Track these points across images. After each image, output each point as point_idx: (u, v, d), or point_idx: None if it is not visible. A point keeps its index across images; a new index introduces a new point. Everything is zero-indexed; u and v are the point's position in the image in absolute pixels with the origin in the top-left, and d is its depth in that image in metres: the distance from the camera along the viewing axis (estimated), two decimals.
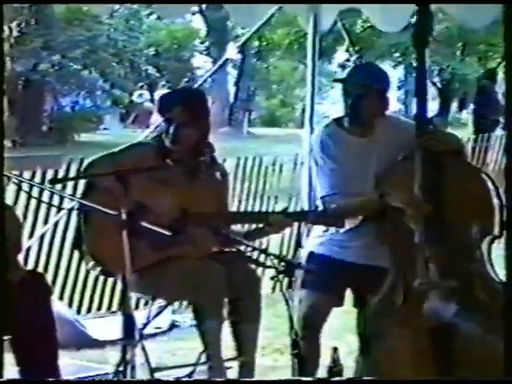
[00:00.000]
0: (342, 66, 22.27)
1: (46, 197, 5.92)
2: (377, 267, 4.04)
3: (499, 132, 12.16)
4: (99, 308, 6.70)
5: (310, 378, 3.69)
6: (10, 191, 6.21)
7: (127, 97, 25.76)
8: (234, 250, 4.25)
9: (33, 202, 6.28)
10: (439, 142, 3.98)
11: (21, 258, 3.82)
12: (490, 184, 3.99)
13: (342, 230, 4.07)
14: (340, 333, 4.31)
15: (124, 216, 3.49)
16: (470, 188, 4.00)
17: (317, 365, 4.08)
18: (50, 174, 6.26)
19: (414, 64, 4.03)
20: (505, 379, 3.05)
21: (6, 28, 19.55)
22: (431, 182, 3.94)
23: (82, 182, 5.61)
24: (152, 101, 25.04)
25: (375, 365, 4.01)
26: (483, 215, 3.94)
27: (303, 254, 4.23)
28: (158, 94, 24.30)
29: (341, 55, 22.12)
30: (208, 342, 3.99)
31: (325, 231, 4.18)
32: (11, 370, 3.15)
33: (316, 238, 4.24)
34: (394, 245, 3.99)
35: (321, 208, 4.09)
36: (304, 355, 3.66)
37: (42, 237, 6.43)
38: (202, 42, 27.06)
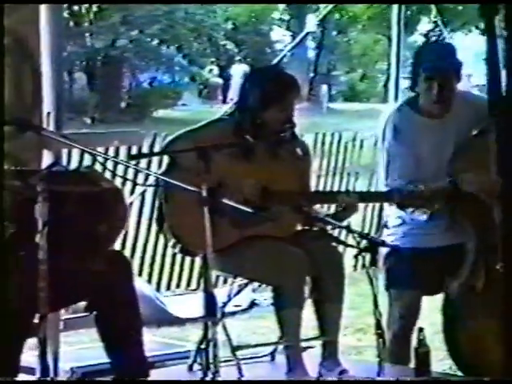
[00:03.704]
0: (426, 36, 21.89)
1: (124, 173, 5.93)
2: (458, 245, 4.02)
3: None
4: (178, 285, 6.72)
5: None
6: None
7: (206, 72, 25.83)
8: (316, 228, 4.18)
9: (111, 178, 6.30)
10: None
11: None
12: None
13: (423, 216, 4.00)
14: (425, 313, 4.22)
15: (205, 193, 3.44)
16: None
17: (408, 353, 4.03)
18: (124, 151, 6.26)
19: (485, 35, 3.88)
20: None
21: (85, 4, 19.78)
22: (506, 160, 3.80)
23: (160, 159, 5.67)
24: (224, 76, 25.09)
25: (458, 347, 3.98)
26: None
27: (387, 240, 4.16)
28: (234, 68, 24.36)
29: (424, 26, 21.72)
30: (286, 322, 3.93)
31: (408, 219, 4.09)
32: (31, 355, 3.13)
33: (394, 230, 4.17)
34: (473, 225, 3.94)
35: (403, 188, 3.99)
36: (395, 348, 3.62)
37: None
38: (281, 16, 26.90)
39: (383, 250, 4.15)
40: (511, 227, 3.00)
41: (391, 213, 4.27)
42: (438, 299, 4.18)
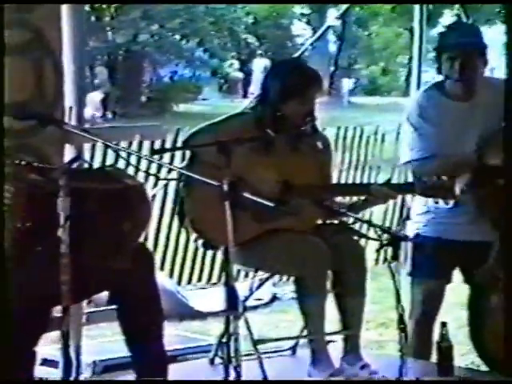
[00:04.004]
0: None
1: (145, 167, 5.94)
2: (483, 242, 3.99)
3: None
4: (199, 279, 6.72)
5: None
6: (110, 161, 6.28)
7: (226, 66, 25.82)
8: (337, 221, 4.17)
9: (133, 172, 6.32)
10: None
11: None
12: None
13: (449, 205, 3.97)
14: (448, 307, 4.21)
15: (226, 187, 3.43)
16: None
17: (430, 346, 4.01)
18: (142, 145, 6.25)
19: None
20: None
21: None
22: None
23: (183, 153, 5.68)
24: (245, 70, 25.06)
25: (484, 341, 3.95)
26: None
27: (409, 234, 4.14)
28: (256, 62, 24.34)
29: (447, 19, 21.56)
30: (310, 315, 3.93)
31: (433, 208, 4.08)
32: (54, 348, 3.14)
33: (419, 218, 4.15)
34: (499, 218, 3.87)
35: (424, 178, 3.97)
36: (417, 339, 3.59)
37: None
38: (301, 9, 26.81)
39: (405, 244, 4.13)
40: None
41: (416, 200, 4.24)
42: (462, 294, 4.17)
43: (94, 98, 19.67)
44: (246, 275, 5.31)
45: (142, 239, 6.14)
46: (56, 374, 3.56)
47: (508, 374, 3.33)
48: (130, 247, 3.27)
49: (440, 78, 4.13)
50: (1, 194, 2.81)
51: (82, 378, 3.95)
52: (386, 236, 3.74)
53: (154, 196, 6.50)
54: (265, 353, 3.99)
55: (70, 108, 4.04)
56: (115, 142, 3.62)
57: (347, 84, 24.58)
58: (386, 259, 3.77)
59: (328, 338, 4.03)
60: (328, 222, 4.18)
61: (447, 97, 4.09)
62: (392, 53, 27.70)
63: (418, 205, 4.20)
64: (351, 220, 4.33)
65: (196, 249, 6.46)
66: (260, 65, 23.08)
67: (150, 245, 6.28)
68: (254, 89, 21.37)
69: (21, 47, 3.80)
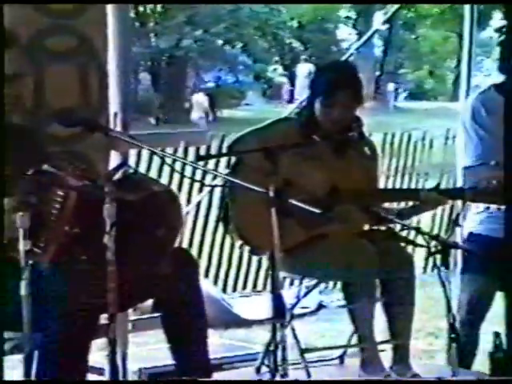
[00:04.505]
0: (499, 31, 21.46)
1: (190, 173, 5.93)
2: None
3: None
4: (244, 287, 6.69)
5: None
6: (155, 167, 6.29)
7: (270, 71, 25.85)
8: (385, 228, 4.11)
9: (177, 179, 6.32)
10: None
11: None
12: None
13: (501, 210, 3.88)
14: (501, 317, 4.11)
15: (272, 193, 3.39)
16: None
17: (475, 351, 3.92)
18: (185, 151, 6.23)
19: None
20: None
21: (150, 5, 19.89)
22: None
23: (228, 158, 5.66)
24: (288, 75, 25.03)
25: None
26: None
27: (463, 234, 4.06)
28: (300, 67, 24.31)
29: (497, 22, 21.30)
30: (360, 323, 3.88)
31: (486, 208, 3.99)
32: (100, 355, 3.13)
33: (474, 217, 4.06)
34: None
35: (472, 183, 3.89)
36: (463, 341, 3.50)
37: (186, 214, 6.45)
38: (347, 13, 26.69)
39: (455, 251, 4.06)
40: None
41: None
42: None
43: (199, 99, 19.86)
44: (292, 283, 5.26)
45: (185, 245, 6.17)
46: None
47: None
48: (168, 254, 3.25)
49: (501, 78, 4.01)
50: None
51: None
52: (434, 243, 3.67)
53: (198, 203, 6.49)
54: (312, 362, 3.94)
55: (115, 114, 4.04)
56: (161, 148, 3.60)
57: (393, 88, 24.45)
58: (434, 266, 3.69)
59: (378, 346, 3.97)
60: (375, 228, 4.12)
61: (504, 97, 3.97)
62: (440, 57, 27.46)
63: (474, 204, 4.09)
64: (399, 227, 4.26)
65: (241, 256, 6.44)
66: (304, 69, 23.06)
67: (194, 252, 6.26)
68: (298, 94, 21.36)
69: (66, 54, 3.81)
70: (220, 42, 22.51)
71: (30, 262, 2.79)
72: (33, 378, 2.84)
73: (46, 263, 2.93)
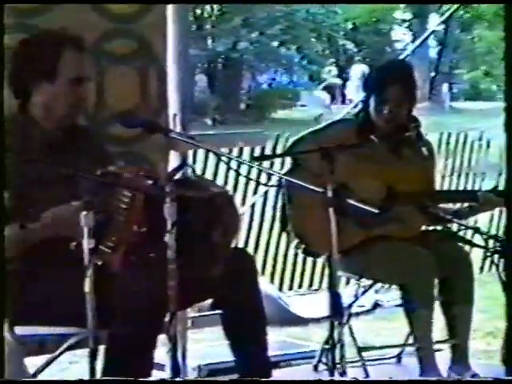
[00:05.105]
0: None
1: (246, 173, 5.96)
2: None
3: None
4: (300, 285, 6.71)
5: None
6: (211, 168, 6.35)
7: (324, 73, 25.80)
8: (442, 228, 4.11)
9: (235, 179, 6.37)
10: None
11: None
12: None
13: None
14: None
15: (330, 194, 3.42)
16: None
17: None
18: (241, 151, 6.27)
19: None
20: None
21: (207, 7, 20.01)
22: None
23: (282, 159, 5.69)
24: (343, 76, 24.94)
25: None
26: None
27: None
28: (354, 68, 24.22)
29: None
30: (417, 323, 3.88)
31: None
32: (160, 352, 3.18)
33: None
34: None
35: None
36: None
37: (243, 214, 6.49)
38: (403, 14, 26.47)
39: None
40: None
41: None
42: None
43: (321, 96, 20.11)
44: (348, 282, 5.28)
45: (242, 245, 6.21)
46: (164, 377, 3.61)
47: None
48: (227, 254, 3.28)
49: None
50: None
51: None
52: (493, 243, 3.66)
53: (253, 204, 6.54)
54: (369, 360, 3.95)
55: (174, 115, 4.10)
56: (219, 148, 3.64)
57: (448, 89, 24.23)
58: (492, 264, 3.66)
59: (435, 346, 3.97)
60: (433, 228, 4.12)
61: None
62: (496, 57, 27.07)
63: None
64: (456, 227, 4.26)
65: (296, 255, 6.46)
66: (358, 71, 22.97)
67: (251, 250, 6.30)
68: (352, 95, 21.29)
69: (127, 57, 3.87)
70: (275, 43, 22.54)
71: (99, 261, 2.86)
72: (98, 373, 2.89)
73: (115, 262, 2.99)
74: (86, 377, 2.79)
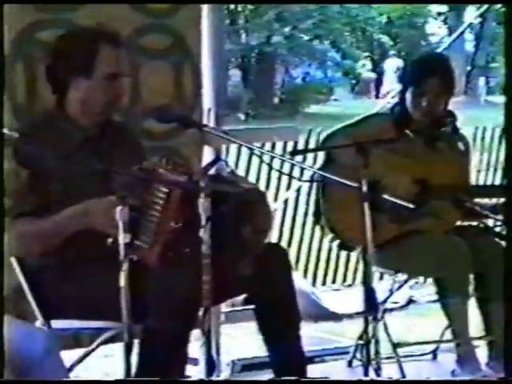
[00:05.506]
0: None
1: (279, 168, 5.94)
2: None
3: None
4: (334, 281, 6.70)
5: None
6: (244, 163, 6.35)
7: (358, 67, 25.70)
8: (477, 223, 4.08)
9: (270, 175, 6.36)
10: None
11: None
12: None
13: None
14: None
15: (365, 188, 3.41)
16: None
17: None
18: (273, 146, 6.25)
19: None
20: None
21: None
22: None
23: (315, 154, 5.68)
24: (377, 70, 24.82)
25: None
26: None
27: None
28: (388, 62, 24.12)
29: None
30: (454, 319, 3.86)
31: None
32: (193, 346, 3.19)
33: None
34: None
35: None
36: None
37: (275, 210, 6.48)
38: (438, 9, 26.27)
39: None
40: None
41: None
42: None
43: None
44: (381, 277, 5.26)
45: (276, 240, 6.21)
46: (197, 371, 3.62)
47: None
48: (259, 250, 3.28)
49: None
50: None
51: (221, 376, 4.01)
52: None
53: (286, 199, 6.53)
54: (404, 356, 3.93)
55: (209, 110, 4.10)
56: (252, 143, 3.64)
57: (484, 83, 24.04)
58: None
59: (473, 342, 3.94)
60: (468, 223, 4.10)
61: None
62: None
63: None
64: (492, 222, 4.22)
65: (330, 250, 6.44)
66: (392, 65, 22.86)
67: (284, 245, 6.30)
68: (386, 89, 21.19)
69: (162, 52, 3.88)
70: (309, 37, 22.49)
71: (135, 257, 2.87)
72: (133, 367, 2.90)
73: (152, 258, 3.00)
74: (121, 370, 2.81)
